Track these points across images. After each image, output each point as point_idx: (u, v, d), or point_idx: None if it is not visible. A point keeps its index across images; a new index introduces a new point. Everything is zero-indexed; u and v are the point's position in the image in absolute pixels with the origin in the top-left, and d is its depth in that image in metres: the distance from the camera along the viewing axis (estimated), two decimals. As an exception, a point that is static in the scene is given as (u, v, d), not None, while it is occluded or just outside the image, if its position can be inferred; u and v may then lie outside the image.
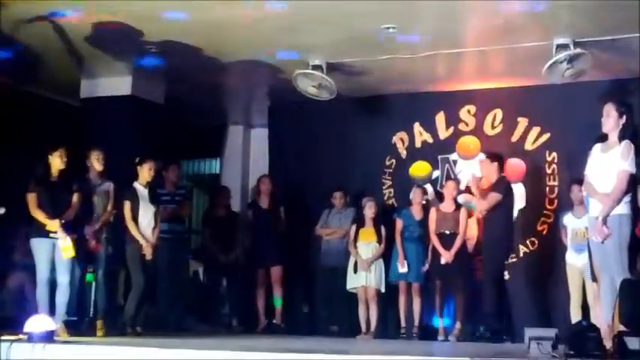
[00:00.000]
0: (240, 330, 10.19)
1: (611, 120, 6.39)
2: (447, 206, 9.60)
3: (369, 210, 9.78)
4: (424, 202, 9.96)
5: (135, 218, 8.47)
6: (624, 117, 6.33)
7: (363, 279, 9.64)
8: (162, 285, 9.36)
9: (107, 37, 8.84)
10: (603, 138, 6.48)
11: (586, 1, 7.69)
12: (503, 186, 9.21)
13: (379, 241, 9.70)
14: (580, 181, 7.97)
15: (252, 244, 10.45)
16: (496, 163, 9.30)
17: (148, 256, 8.44)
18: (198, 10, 8.12)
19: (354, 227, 9.83)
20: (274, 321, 10.36)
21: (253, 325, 10.39)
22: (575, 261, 8.91)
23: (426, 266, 9.60)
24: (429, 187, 10.44)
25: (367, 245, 9.71)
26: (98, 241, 8.51)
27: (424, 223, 9.69)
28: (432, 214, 9.58)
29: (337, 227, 10.22)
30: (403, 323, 9.70)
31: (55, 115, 10.55)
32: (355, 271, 9.67)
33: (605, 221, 6.21)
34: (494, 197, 9.12)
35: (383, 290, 9.71)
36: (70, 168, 8.02)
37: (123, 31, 8.64)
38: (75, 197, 8.03)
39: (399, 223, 9.75)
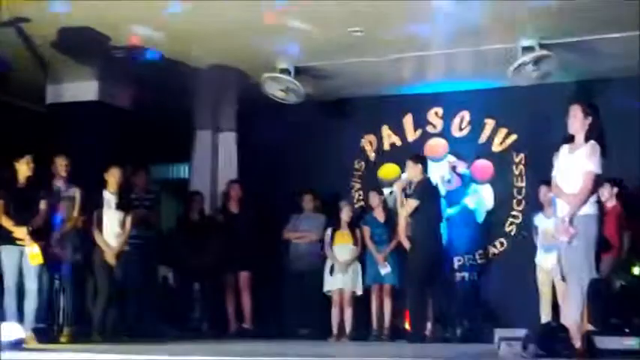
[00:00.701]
0: (211, 334, 10.14)
1: (576, 121, 6.42)
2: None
3: (346, 214, 9.81)
4: (383, 203, 9.99)
5: (99, 225, 8.44)
6: (589, 118, 6.37)
7: (340, 282, 9.67)
8: (131, 290, 9.28)
9: (73, 42, 8.78)
10: (570, 139, 6.52)
11: (551, 4, 7.75)
12: (420, 190, 9.07)
13: (355, 244, 9.73)
14: (548, 182, 8.03)
15: (222, 249, 10.41)
16: (420, 165, 9.20)
17: (110, 262, 8.42)
18: (166, 15, 8.10)
19: (329, 230, 9.85)
20: (244, 325, 10.34)
21: (223, 329, 10.35)
22: (544, 261, 8.96)
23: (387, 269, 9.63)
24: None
25: (344, 248, 9.73)
26: (62, 247, 8.45)
27: (390, 224, 9.73)
28: (401, 217, 9.61)
29: (307, 231, 10.21)
30: (374, 325, 9.71)
31: (21, 122, 10.45)
32: (331, 273, 9.69)
33: (571, 221, 6.25)
34: (412, 203, 9.04)
35: (360, 293, 9.73)
36: (37, 175, 7.97)
37: (89, 35, 8.59)
38: (42, 204, 7.98)
39: (367, 230, 9.78)
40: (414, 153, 9.77)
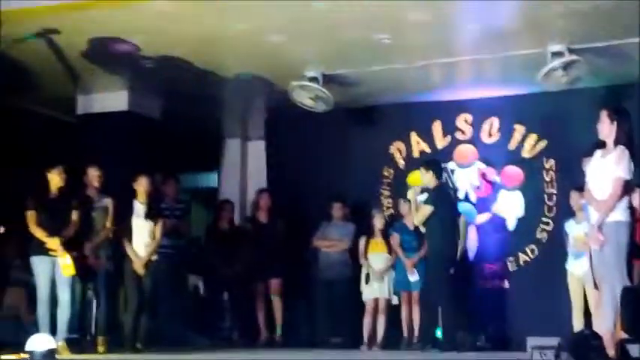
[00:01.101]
0: (241, 343, 10.15)
1: (605, 126, 6.36)
2: (447, 216, 9.61)
3: (379, 221, 9.79)
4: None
5: (129, 235, 8.48)
6: (615, 123, 6.31)
7: (377, 290, 9.64)
8: (163, 300, 9.32)
9: (103, 52, 8.84)
10: (602, 144, 6.46)
11: (579, 8, 7.70)
12: (434, 196, 8.93)
13: (390, 252, 9.70)
14: (579, 188, 7.98)
15: (252, 257, 10.42)
16: (432, 171, 9.04)
17: (139, 271, 8.44)
18: (194, 24, 8.14)
19: (363, 239, 9.82)
20: (275, 334, 10.34)
21: (254, 338, 10.36)
22: (574, 268, 8.87)
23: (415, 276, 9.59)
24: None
25: (379, 256, 9.70)
26: (97, 257, 8.49)
27: (419, 231, 9.70)
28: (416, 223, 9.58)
29: (337, 240, 10.18)
30: (405, 333, 9.68)
31: (53, 132, 10.54)
32: (367, 282, 9.67)
33: (600, 228, 6.18)
34: (425, 209, 8.91)
35: (396, 302, 9.69)
36: (69, 185, 8.02)
37: (118, 45, 8.64)
38: (75, 215, 8.03)
39: (396, 238, 9.73)
40: (437, 158, 9.74)
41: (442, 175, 9.34)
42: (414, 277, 9.60)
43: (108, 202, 8.64)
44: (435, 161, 9.49)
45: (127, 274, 8.50)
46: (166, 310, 9.46)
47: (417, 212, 9.08)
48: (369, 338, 9.68)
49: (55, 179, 7.97)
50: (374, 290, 9.68)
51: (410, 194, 9.33)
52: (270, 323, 10.41)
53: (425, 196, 9.20)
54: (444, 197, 9.10)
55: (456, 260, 9.16)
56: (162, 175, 9.74)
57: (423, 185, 9.20)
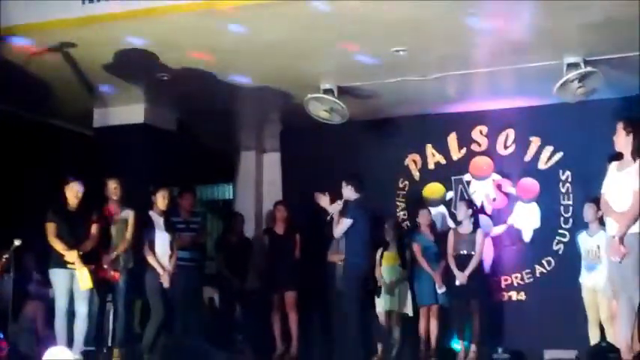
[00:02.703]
0: (257, 356, 10.14)
1: (620, 138, 6.37)
2: (465, 228, 9.59)
3: (391, 232, 9.77)
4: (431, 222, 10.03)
5: (152, 247, 8.48)
6: (631, 134, 6.29)
7: (388, 303, 9.61)
8: (180, 312, 9.32)
9: (119, 65, 8.88)
10: (619, 156, 6.45)
11: (595, 20, 7.68)
12: (351, 210, 8.81)
13: (402, 264, 9.67)
14: (593, 200, 7.96)
15: (268, 270, 10.43)
16: (351, 186, 8.92)
17: (166, 284, 8.43)
18: (211, 38, 8.18)
19: (380, 251, 9.79)
20: (290, 347, 10.32)
21: (270, 351, 10.34)
22: (587, 280, 8.84)
23: (443, 289, 9.58)
24: (440, 209, 10.47)
25: (391, 268, 9.68)
26: (116, 269, 8.48)
27: (438, 243, 9.70)
28: (450, 235, 9.59)
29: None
30: (421, 346, 9.65)
31: (70, 145, 10.59)
32: (378, 295, 9.63)
33: (622, 240, 6.16)
34: (345, 223, 8.79)
35: (411, 314, 9.67)
36: (88, 198, 8.05)
37: (134, 58, 8.68)
38: (94, 228, 8.04)
39: (418, 247, 9.71)
40: (356, 173, 9.50)
41: (362, 189, 9.07)
42: (441, 289, 9.59)
43: (129, 214, 8.63)
44: (354, 175, 9.26)
45: (151, 287, 8.48)
46: (183, 323, 9.47)
47: (337, 225, 8.94)
48: (382, 352, 9.64)
49: (72, 192, 7.99)
50: (386, 303, 9.64)
51: (333, 207, 9.13)
52: (286, 336, 10.39)
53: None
54: (362, 211, 8.97)
55: (368, 274, 9.09)
56: (180, 188, 9.75)
57: (344, 199, 8.98)
